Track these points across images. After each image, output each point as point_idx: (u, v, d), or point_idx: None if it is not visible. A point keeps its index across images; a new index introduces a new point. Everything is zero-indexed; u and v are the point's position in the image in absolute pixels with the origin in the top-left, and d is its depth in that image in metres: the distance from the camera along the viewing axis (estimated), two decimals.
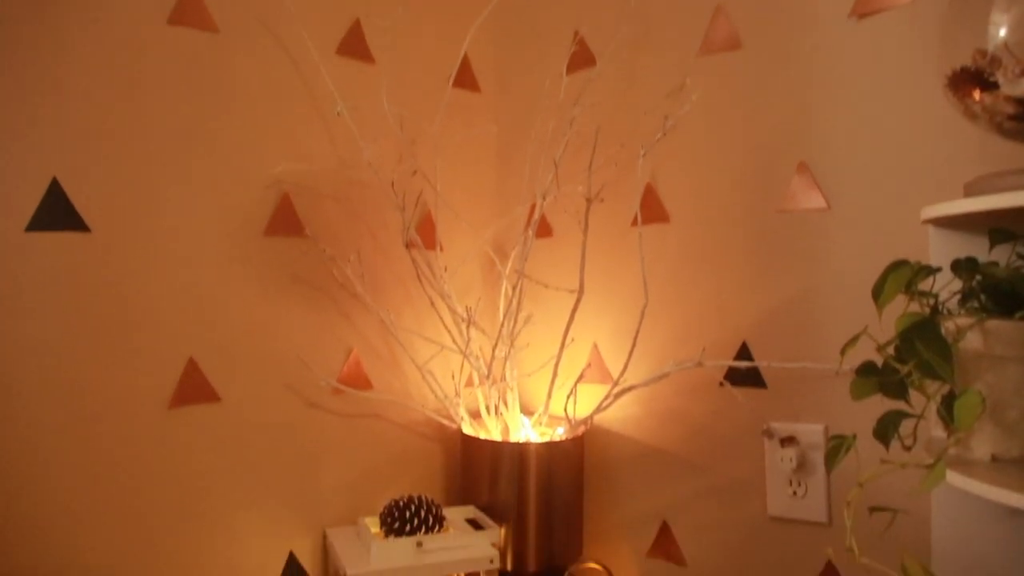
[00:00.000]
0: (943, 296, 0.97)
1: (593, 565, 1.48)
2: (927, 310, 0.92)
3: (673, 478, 1.50)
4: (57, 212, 1.16)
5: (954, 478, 0.90)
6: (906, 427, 0.93)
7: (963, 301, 0.96)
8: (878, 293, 0.89)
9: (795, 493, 1.33)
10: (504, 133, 1.74)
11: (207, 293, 1.32)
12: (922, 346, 0.84)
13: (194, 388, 1.30)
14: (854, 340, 0.92)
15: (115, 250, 1.22)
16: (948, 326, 0.90)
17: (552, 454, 1.50)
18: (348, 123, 1.47)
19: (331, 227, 1.48)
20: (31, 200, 1.14)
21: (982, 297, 0.94)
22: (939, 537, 1.13)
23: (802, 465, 1.31)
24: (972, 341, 0.89)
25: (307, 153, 1.44)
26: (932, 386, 0.89)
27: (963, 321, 0.89)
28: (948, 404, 0.87)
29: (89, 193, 1.19)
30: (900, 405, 0.92)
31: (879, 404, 0.94)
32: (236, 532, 1.36)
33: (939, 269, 0.93)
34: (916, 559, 0.84)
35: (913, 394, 0.91)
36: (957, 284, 0.98)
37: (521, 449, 1.49)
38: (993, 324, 0.88)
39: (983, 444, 0.96)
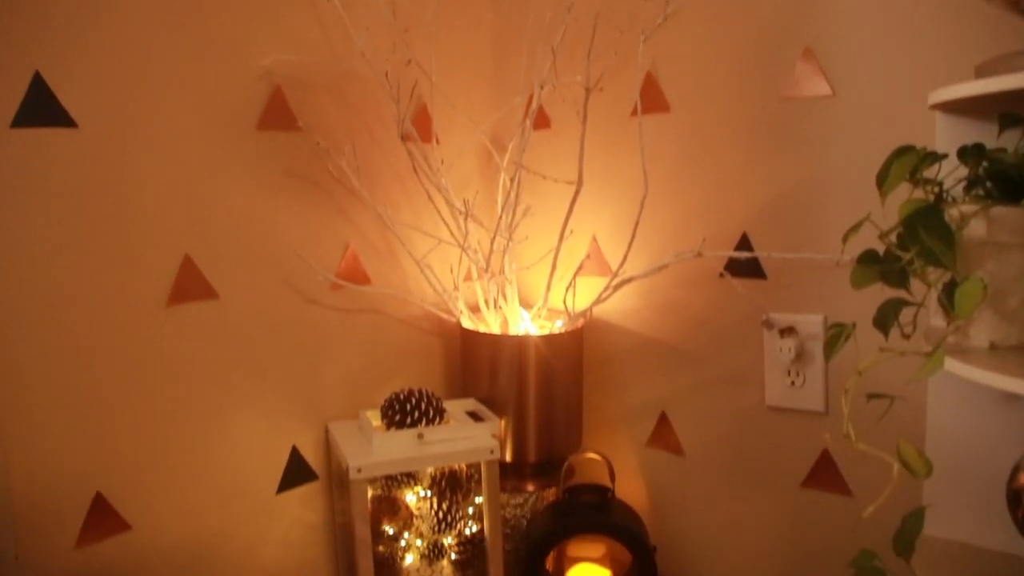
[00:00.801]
0: (948, 183, 0.95)
1: (593, 455, 1.50)
2: (931, 197, 0.91)
3: (672, 369, 1.51)
4: (42, 108, 1.13)
5: (952, 365, 0.90)
6: (906, 316, 0.92)
7: (968, 188, 0.94)
8: (882, 180, 0.88)
9: (793, 383, 1.34)
10: (500, 21, 1.69)
11: (201, 189, 1.30)
12: (925, 233, 0.82)
13: (191, 285, 1.29)
14: (856, 227, 0.90)
15: (104, 146, 1.19)
16: (952, 213, 0.88)
17: (551, 346, 1.50)
18: (339, 11, 1.43)
19: (325, 120, 1.45)
20: (14, 96, 1.11)
21: (988, 184, 0.92)
22: (934, 423, 1.14)
23: (800, 355, 1.32)
24: (976, 228, 0.88)
25: (298, 43, 1.40)
26: (933, 274, 0.88)
27: (967, 208, 0.88)
28: (949, 292, 0.86)
29: (74, 87, 1.16)
30: (900, 294, 0.92)
31: (879, 294, 0.94)
32: (239, 428, 1.37)
33: (945, 155, 0.91)
34: (911, 443, 0.85)
35: (914, 283, 0.91)
36: (963, 172, 0.96)
37: (520, 342, 1.49)
38: (998, 211, 0.86)
39: (982, 332, 0.96)
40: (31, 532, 1.15)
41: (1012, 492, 0.99)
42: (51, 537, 1.18)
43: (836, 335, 0.93)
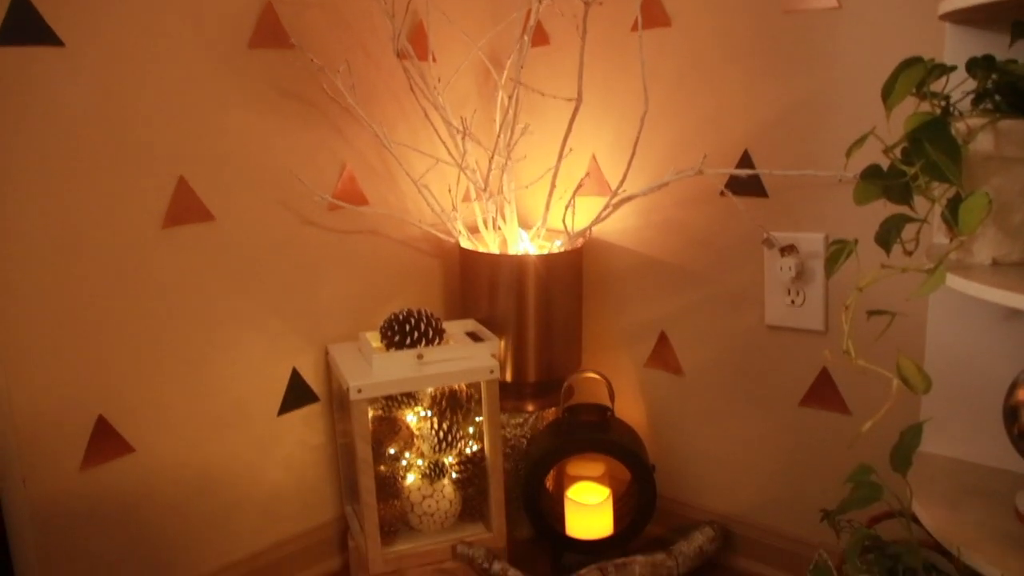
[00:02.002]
0: (956, 97, 0.93)
1: (592, 375, 1.51)
2: (938, 111, 0.89)
3: (671, 289, 1.50)
4: (26, 26, 1.10)
5: (954, 281, 0.89)
6: (908, 232, 0.92)
7: (976, 101, 0.93)
8: (888, 93, 0.86)
9: (793, 302, 1.33)
10: None
11: (193, 110, 1.27)
12: (931, 147, 0.81)
13: (186, 207, 1.28)
14: (861, 141, 0.89)
15: (93, 65, 1.16)
16: (959, 127, 0.87)
17: (550, 266, 1.50)
18: None
19: (318, 37, 1.41)
20: None
21: (996, 97, 0.90)
22: (933, 341, 1.14)
23: (801, 274, 1.31)
24: (983, 142, 0.87)
25: None
26: (938, 189, 0.87)
27: (975, 121, 0.86)
28: (953, 207, 0.85)
29: (59, 4, 1.13)
30: (903, 210, 0.91)
31: (881, 211, 0.93)
32: (238, 351, 1.37)
33: (954, 68, 0.89)
34: (910, 359, 0.85)
35: (917, 199, 0.90)
36: (971, 85, 0.94)
37: (519, 262, 1.49)
38: (1006, 124, 0.85)
39: (985, 248, 0.96)
40: (36, 456, 1.17)
41: (1009, 408, 1.00)
42: (56, 461, 1.19)
43: (838, 252, 0.92)
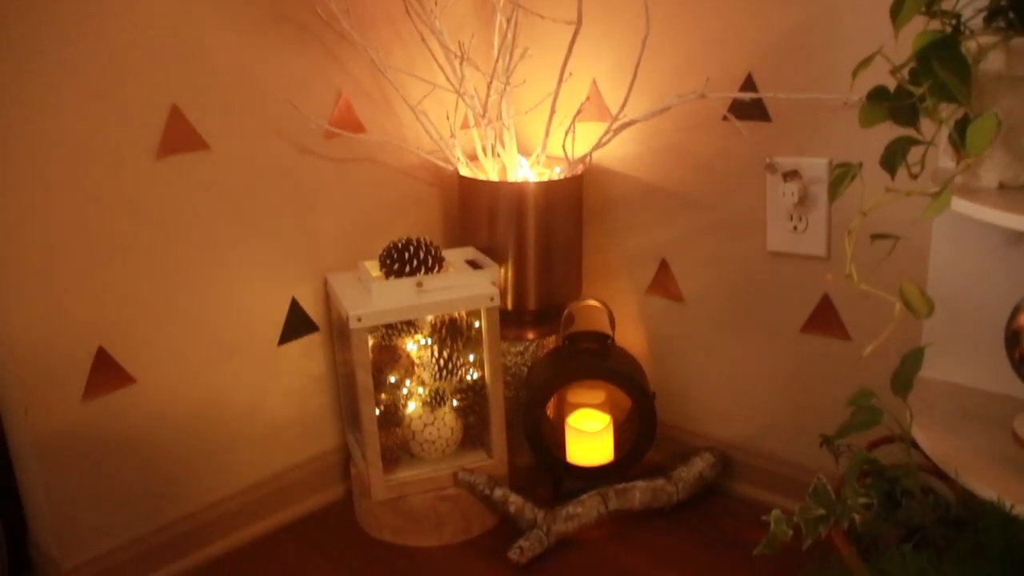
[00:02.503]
0: (967, 15, 0.91)
1: (593, 302, 1.51)
2: (948, 29, 0.87)
3: (672, 216, 1.49)
4: None
5: (959, 204, 0.89)
6: (914, 155, 0.90)
7: (988, 19, 0.90)
8: (896, 11, 0.84)
9: (795, 228, 1.32)
10: None
11: (184, 36, 1.24)
12: (939, 66, 0.79)
13: (180, 136, 1.26)
14: (867, 61, 0.87)
15: None
16: (969, 45, 0.85)
17: (550, 193, 1.48)
18: None
19: None
20: None
21: (1010, 15, 0.88)
22: (936, 265, 1.14)
23: (804, 200, 1.30)
24: (993, 62, 0.85)
25: None
26: (946, 110, 0.85)
27: (986, 39, 0.84)
28: (961, 129, 0.84)
29: None
30: (909, 132, 0.89)
31: (886, 135, 0.92)
32: (237, 281, 1.37)
33: None
34: (913, 283, 0.85)
35: (924, 122, 0.88)
36: (983, 2, 0.92)
37: (519, 188, 1.47)
38: (1019, 42, 0.83)
39: (992, 171, 0.95)
40: (38, 387, 1.17)
41: (1011, 332, 1.00)
42: (58, 391, 1.19)
43: (842, 175, 0.91)
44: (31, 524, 1.31)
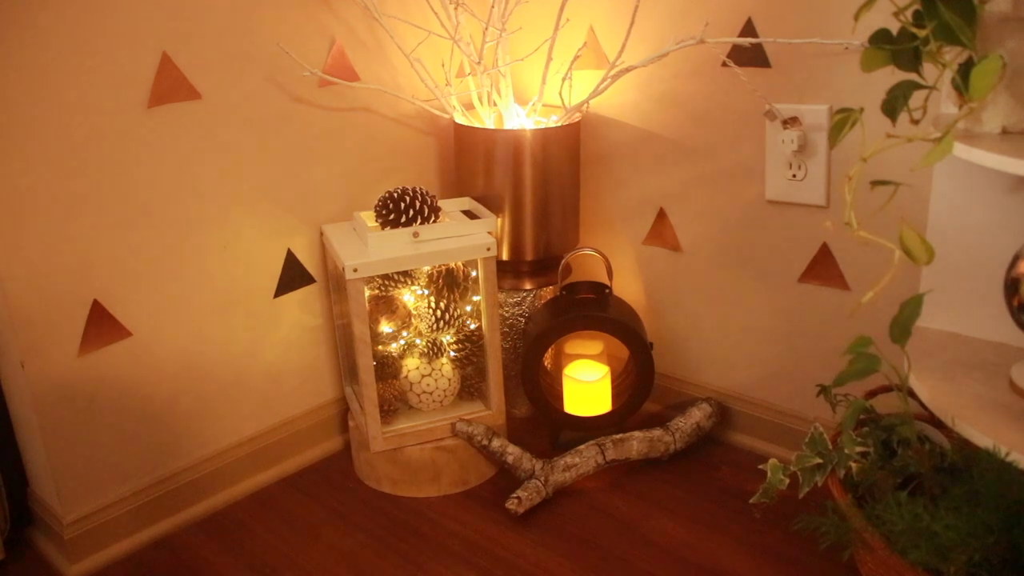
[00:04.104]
0: None
1: (590, 252, 1.50)
2: None
3: (671, 164, 1.48)
4: None
5: (961, 150, 0.87)
6: (916, 101, 0.89)
7: None
8: None
9: (794, 176, 1.31)
10: None
11: None
12: (944, 8, 0.78)
13: (171, 85, 1.24)
14: (870, 3, 0.85)
15: None
16: None
17: (548, 142, 1.47)
18: None
19: None
20: None
21: None
22: (936, 213, 1.13)
23: (803, 147, 1.29)
24: (999, 3, 0.83)
25: None
26: (949, 54, 0.84)
27: None
28: (964, 72, 0.82)
29: None
30: (912, 77, 0.88)
31: (888, 80, 0.90)
32: (232, 233, 1.36)
33: None
34: (913, 229, 0.84)
35: (926, 67, 0.87)
36: None
37: (516, 137, 1.46)
38: None
39: (995, 116, 0.93)
40: (34, 340, 1.17)
41: (1010, 281, 0.99)
42: (54, 345, 1.19)
43: (842, 120, 0.90)
44: (31, 478, 1.32)
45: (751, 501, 1.09)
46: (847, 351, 0.96)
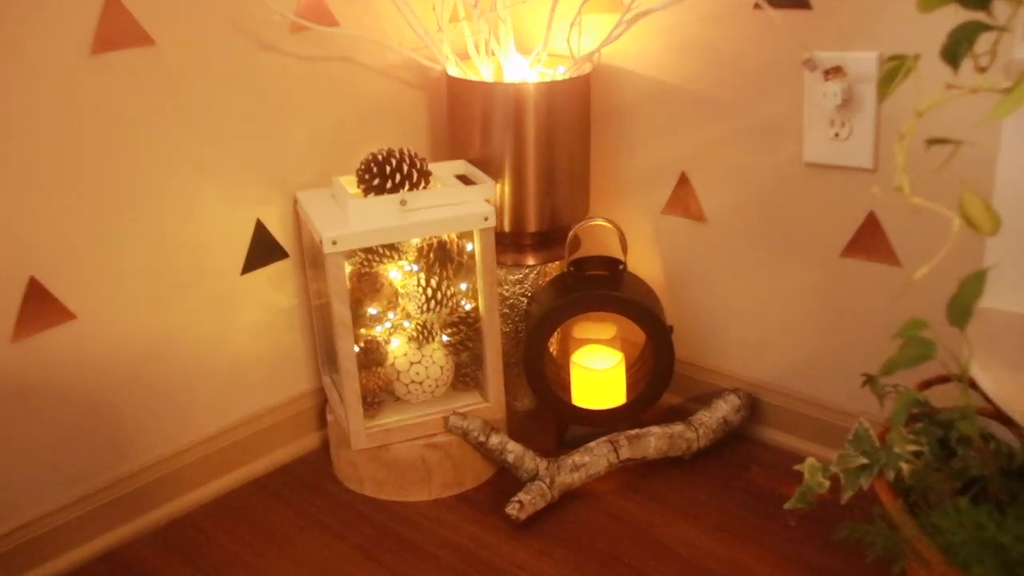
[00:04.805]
0: None
1: (602, 223, 1.50)
2: None
3: (694, 122, 1.48)
4: None
5: None
6: (983, 44, 0.87)
7: None
8: None
9: (837, 135, 1.31)
10: None
11: None
12: None
13: (119, 28, 1.22)
14: None
15: None
16: None
17: (553, 96, 1.47)
18: None
19: None
20: None
21: None
22: (1005, 175, 1.12)
23: (848, 102, 1.28)
24: None
25: None
26: None
27: None
28: None
29: None
30: (979, 16, 0.86)
31: (949, 21, 0.88)
32: (192, 201, 1.35)
33: None
34: (975, 193, 0.82)
35: (996, 4, 0.85)
36: None
37: (517, 91, 1.46)
38: None
39: None
40: None
41: None
42: None
43: (894, 69, 0.89)
44: None
45: (786, 506, 1.07)
46: (897, 335, 0.95)
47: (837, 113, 1.29)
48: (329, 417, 1.50)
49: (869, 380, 1.08)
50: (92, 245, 1.25)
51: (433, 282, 1.39)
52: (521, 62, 1.55)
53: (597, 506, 1.37)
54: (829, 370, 1.43)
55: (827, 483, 1.04)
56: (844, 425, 1.36)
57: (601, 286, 1.45)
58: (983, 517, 0.86)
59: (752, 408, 1.52)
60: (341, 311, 1.31)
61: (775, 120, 1.38)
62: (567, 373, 1.53)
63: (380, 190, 1.35)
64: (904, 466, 0.99)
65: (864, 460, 1.01)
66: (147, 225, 1.31)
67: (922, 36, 1.17)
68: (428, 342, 1.42)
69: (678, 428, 1.43)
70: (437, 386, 1.43)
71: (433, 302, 1.39)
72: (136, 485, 1.35)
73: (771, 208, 1.42)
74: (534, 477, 1.36)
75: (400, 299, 1.42)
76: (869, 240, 1.33)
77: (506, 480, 1.42)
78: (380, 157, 1.36)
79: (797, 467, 1.06)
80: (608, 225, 1.50)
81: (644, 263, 1.62)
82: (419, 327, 1.42)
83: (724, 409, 1.47)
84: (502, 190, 1.51)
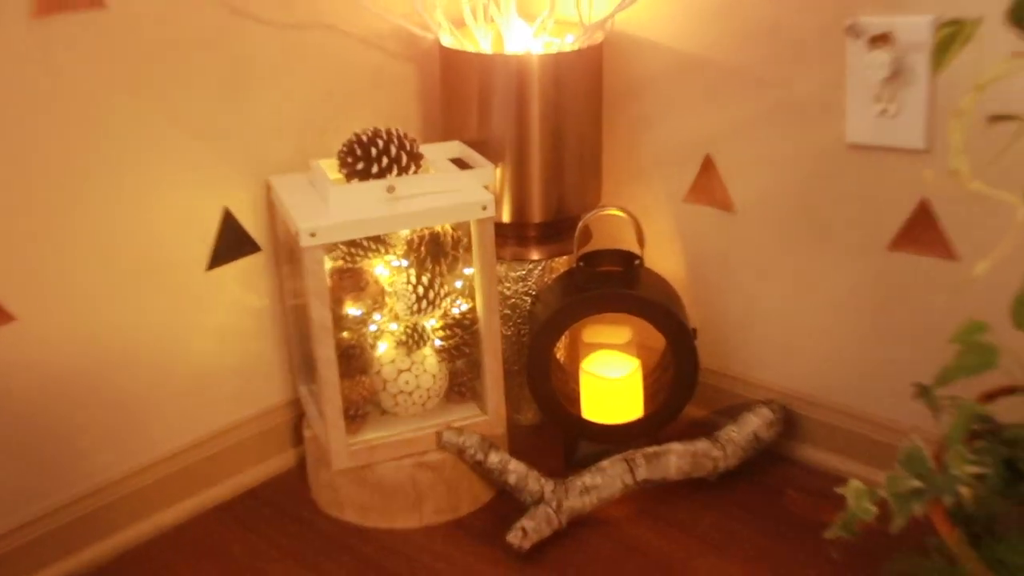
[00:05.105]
0: None
1: (615, 212, 1.50)
2: None
3: (721, 98, 1.49)
4: None
5: None
6: None
7: None
8: None
9: (884, 111, 1.30)
10: None
11: None
12: None
13: None
14: None
15: None
16: None
17: (561, 69, 1.48)
18: None
19: None
20: None
21: None
22: None
23: (897, 73, 1.27)
24: None
25: None
26: None
27: None
28: None
29: None
30: None
31: None
32: (150, 186, 1.35)
33: None
34: None
35: None
36: None
37: (519, 64, 1.47)
38: None
39: None
40: None
41: None
42: None
43: (950, 36, 0.89)
44: None
45: (827, 536, 1.06)
46: (954, 339, 0.96)
47: (885, 87, 1.29)
48: (306, 433, 1.49)
49: (922, 391, 1.07)
50: (34, 237, 1.24)
51: (424, 279, 1.39)
52: (524, 30, 1.54)
53: (610, 534, 1.37)
54: (876, 379, 1.42)
55: (874, 510, 1.03)
56: (894, 443, 1.32)
57: (615, 284, 1.45)
58: None
59: (787, 422, 1.51)
60: (320, 312, 1.31)
61: (814, 95, 1.38)
62: (576, 382, 1.54)
63: (365, 175, 1.35)
64: (964, 491, 0.98)
65: (917, 483, 0.99)
66: (98, 215, 1.30)
67: None
68: (419, 347, 1.42)
69: (703, 445, 1.43)
70: (429, 397, 1.43)
71: (424, 302, 1.39)
72: (83, 512, 1.34)
73: (809, 195, 1.43)
74: (539, 501, 1.36)
75: (387, 299, 1.42)
76: (921, 231, 1.32)
77: (507, 504, 1.42)
78: (365, 138, 1.35)
79: (839, 491, 1.06)
80: (623, 215, 1.50)
81: (664, 258, 1.62)
82: (409, 330, 1.42)
83: (755, 424, 1.46)
84: (503, 175, 1.52)
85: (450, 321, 1.45)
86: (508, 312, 1.56)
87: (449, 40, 1.53)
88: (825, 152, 1.39)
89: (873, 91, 1.30)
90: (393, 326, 1.43)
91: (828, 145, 1.38)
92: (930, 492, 0.98)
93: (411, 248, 1.40)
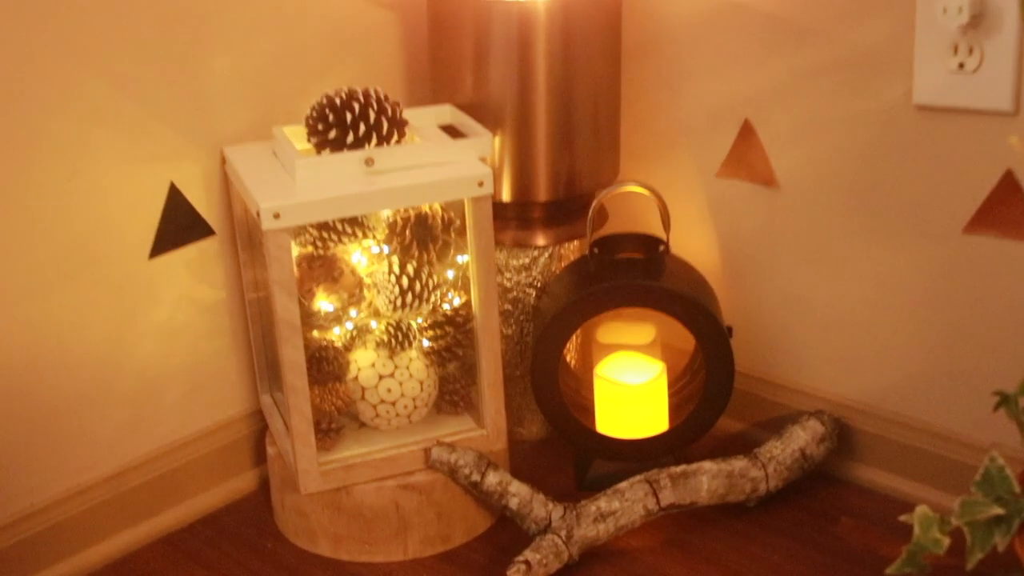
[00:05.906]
0: None
1: (636, 188, 1.49)
2: None
3: (761, 53, 1.49)
4: None
5: None
6: None
7: None
8: None
9: (962, 66, 1.29)
10: None
11: None
12: None
13: None
14: None
15: None
16: None
17: (572, 18, 1.47)
18: None
19: None
20: None
21: None
22: None
23: (978, 19, 1.26)
24: None
25: None
26: None
27: None
28: None
29: None
30: None
31: None
32: (83, 159, 1.34)
33: None
34: None
35: None
36: None
37: (522, 11, 1.46)
38: None
39: None
40: None
41: None
42: None
43: None
44: None
45: (889, 572, 1.05)
46: None
47: (962, 35, 1.28)
48: (270, 450, 1.49)
49: (1004, 401, 1.06)
50: None
51: (409, 269, 1.38)
52: None
53: (630, 568, 1.37)
54: (947, 387, 1.42)
55: (946, 540, 1.02)
56: (969, 462, 1.35)
57: (635, 274, 1.45)
58: None
59: (840, 437, 1.50)
60: (286, 307, 1.30)
61: (874, 48, 1.38)
62: (589, 390, 1.54)
63: (338, 145, 1.35)
64: None
65: (998, 510, 0.99)
66: (20, 192, 1.29)
67: None
68: (403, 349, 1.42)
69: (740, 464, 1.42)
70: (415, 407, 1.43)
71: (409, 295, 1.38)
72: (6, 543, 1.33)
73: (867, 168, 1.42)
74: (545, 529, 1.35)
75: (365, 291, 1.42)
76: (1005, 209, 1.31)
77: (508, 533, 1.43)
78: (338, 101, 1.35)
79: (904, 518, 1.05)
80: (645, 192, 1.50)
81: (693, 243, 1.62)
82: (391, 329, 1.41)
83: (802, 439, 1.46)
84: (502, 145, 1.51)
85: (440, 318, 1.45)
86: (509, 308, 1.57)
87: None
88: (888, 115, 1.38)
89: (949, 41, 1.29)
90: (373, 324, 1.43)
91: (891, 107, 1.38)
92: (1014, 520, 0.97)
93: (393, 232, 1.40)
